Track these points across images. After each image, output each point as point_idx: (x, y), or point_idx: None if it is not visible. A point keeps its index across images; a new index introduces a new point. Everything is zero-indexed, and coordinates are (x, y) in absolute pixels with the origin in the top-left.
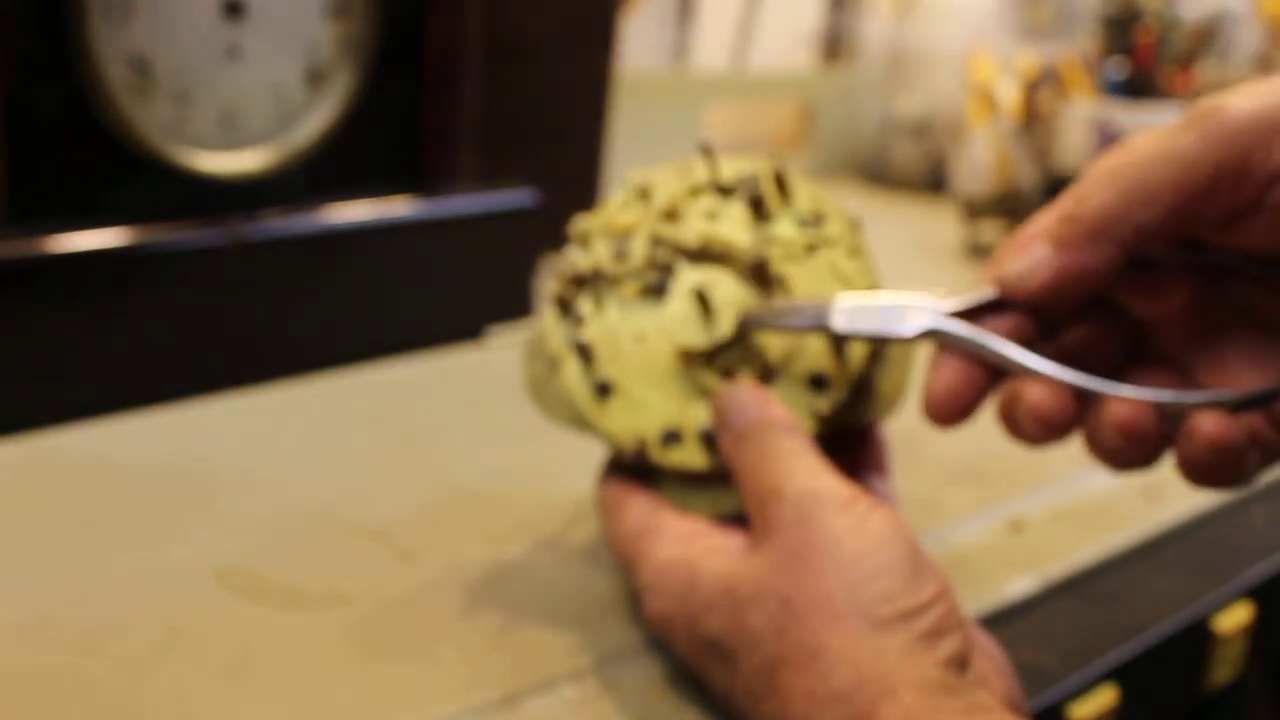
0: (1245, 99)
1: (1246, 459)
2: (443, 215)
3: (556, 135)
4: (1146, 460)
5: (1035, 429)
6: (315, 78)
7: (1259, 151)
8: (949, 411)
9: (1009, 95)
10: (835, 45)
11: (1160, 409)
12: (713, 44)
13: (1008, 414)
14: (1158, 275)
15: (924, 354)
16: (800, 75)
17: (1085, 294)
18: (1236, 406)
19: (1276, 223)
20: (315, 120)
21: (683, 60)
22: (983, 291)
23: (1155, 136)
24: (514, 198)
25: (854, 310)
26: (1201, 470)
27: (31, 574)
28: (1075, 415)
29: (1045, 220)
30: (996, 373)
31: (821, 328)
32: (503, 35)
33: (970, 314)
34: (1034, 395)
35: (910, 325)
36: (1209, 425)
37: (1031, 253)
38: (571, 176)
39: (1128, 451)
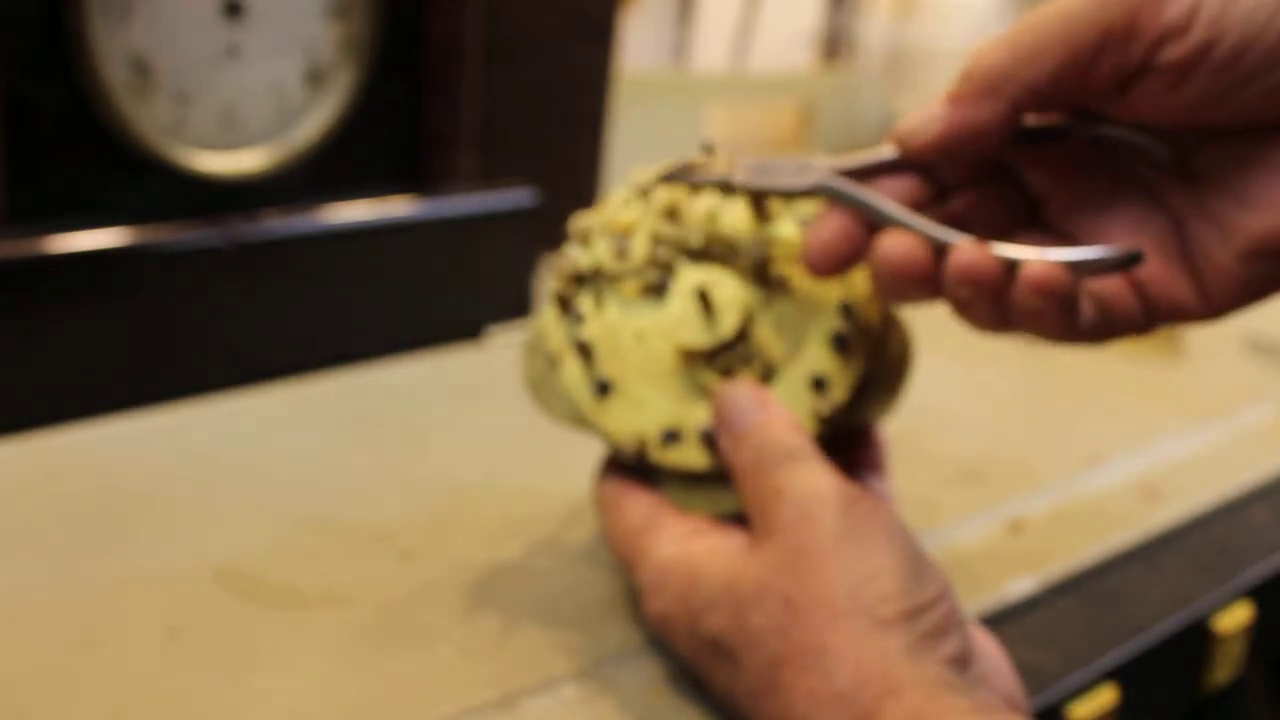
0: None
1: (1076, 309)
2: (443, 215)
3: (556, 135)
4: (992, 313)
5: (889, 279)
6: (315, 78)
7: (1147, 9)
8: (823, 262)
9: None
10: (835, 45)
11: (1007, 264)
12: (713, 44)
13: (871, 266)
14: (1052, 147)
15: (924, 355)
16: (800, 75)
17: (977, 152)
18: (1080, 266)
19: (1165, 86)
20: (315, 120)
21: (683, 60)
22: (881, 151)
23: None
24: (514, 198)
25: (754, 168)
26: (1028, 313)
27: (32, 574)
28: (930, 266)
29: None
30: (878, 231)
31: (726, 184)
32: (503, 35)
33: (866, 175)
34: (888, 244)
35: (803, 180)
36: (1036, 270)
37: (929, 110)
38: (571, 176)
39: (975, 304)
